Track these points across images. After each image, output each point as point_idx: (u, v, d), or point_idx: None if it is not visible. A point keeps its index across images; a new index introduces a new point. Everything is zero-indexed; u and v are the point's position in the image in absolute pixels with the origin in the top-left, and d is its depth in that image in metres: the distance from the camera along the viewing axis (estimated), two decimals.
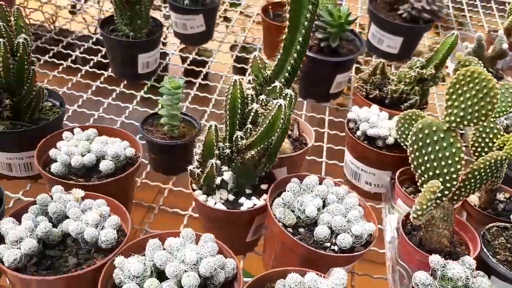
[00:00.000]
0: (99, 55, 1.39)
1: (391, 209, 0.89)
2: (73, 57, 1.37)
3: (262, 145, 0.71)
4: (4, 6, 0.77)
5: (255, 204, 0.79)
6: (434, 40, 1.74)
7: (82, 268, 0.62)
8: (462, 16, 1.88)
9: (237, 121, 0.73)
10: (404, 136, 0.88)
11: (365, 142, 0.96)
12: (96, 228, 0.64)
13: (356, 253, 0.70)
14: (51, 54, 1.37)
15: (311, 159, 1.10)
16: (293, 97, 0.71)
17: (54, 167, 0.78)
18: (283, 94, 0.70)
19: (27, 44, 0.79)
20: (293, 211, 0.73)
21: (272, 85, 0.72)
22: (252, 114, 0.72)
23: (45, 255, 0.64)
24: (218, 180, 0.80)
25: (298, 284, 0.58)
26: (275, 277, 0.61)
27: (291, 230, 0.72)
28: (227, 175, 0.82)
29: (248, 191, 0.82)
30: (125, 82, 1.28)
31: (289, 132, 0.97)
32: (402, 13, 1.43)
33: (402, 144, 0.90)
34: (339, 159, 1.10)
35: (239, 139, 0.73)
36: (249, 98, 0.72)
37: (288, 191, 0.76)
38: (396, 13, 1.45)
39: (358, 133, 0.97)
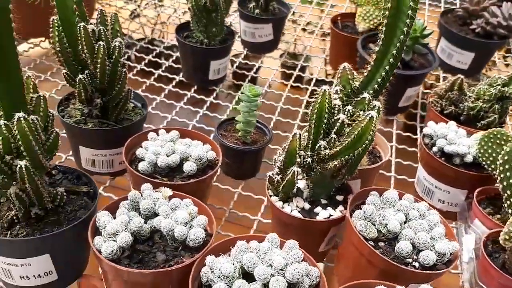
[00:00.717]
0: (170, 59, 1.44)
1: (467, 228, 0.87)
2: (146, 61, 1.42)
3: (346, 156, 0.72)
4: (103, 12, 0.82)
5: (331, 215, 0.80)
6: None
7: (171, 265, 0.65)
8: None
9: (322, 131, 0.74)
10: (486, 155, 0.85)
11: (442, 158, 0.94)
12: (185, 226, 0.67)
13: (438, 271, 0.69)
14: (126, 56, 1.43)
15: (380, 173, 1.08)
16: (381, 109, 0.71)
17: (142, 166, 0.82)
18: (371, 106, 0.70)
19: (122, 47, 0.84)
20: (374, 225, 0.73)
21: (361, 96, 0.72)
22: (338, 124, 0.72)
23: (135, 249, 0.67)
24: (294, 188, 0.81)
25: None
26: None
27: (372, 243, 0.71)
28: (302, 183, 0.83)
29: (323, 201, 0.83)
30: (195, 87, 1.32)
31: None
32: (475, 28, 1.39)
33: (483, 163, 0.87)
34: (408, 174, 1.09)
35: (322, 149, 0.74)
36: (335, 109, 0.73)
37: (368, 204, 0.75)
38: (468, 27, 1.42)
39: (434, 149, 0.96)
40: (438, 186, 0.96)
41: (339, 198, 0.84)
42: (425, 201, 1.00)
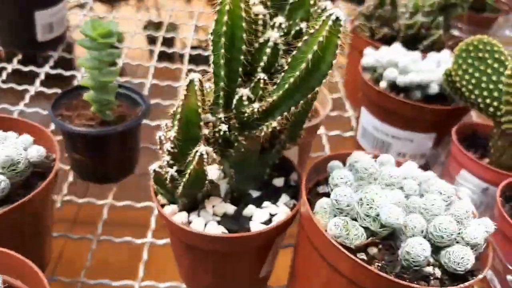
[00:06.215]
0: None
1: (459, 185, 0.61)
2: None
3: (292, 106, 0.38)
4: None
5: (272, 216, 0.47)
6: None
7: None
8: None
9: (239, 68, 0.39)
10: (467, 77, 0.59)
11: (401, 95, 0.67)
12: None
13: (472, 279, 0.40)
14: None
15: None
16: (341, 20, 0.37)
17: None
18: (325, 14, 0.37)
19: None
20: (355, 220, 0.41)
21: None
22: (268, 51, 0.38)
23: None
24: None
25: None
26: None
27: (361, 255, 0.40)
28: (214, 172, 0.47)
29: (254, 193, 0.49)
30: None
31: None
32: None
33: (462, 88, 0.60)
34: (341, 129, 0.81)
35: (246, 102, 0.39)
36: (259, 23, 0.38)
37: (336, 184, 0.43)
38: None
39: (382, 84, 0.68)
40: (395, 134, 0.69)
41: (278, 182, 0.51)
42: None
